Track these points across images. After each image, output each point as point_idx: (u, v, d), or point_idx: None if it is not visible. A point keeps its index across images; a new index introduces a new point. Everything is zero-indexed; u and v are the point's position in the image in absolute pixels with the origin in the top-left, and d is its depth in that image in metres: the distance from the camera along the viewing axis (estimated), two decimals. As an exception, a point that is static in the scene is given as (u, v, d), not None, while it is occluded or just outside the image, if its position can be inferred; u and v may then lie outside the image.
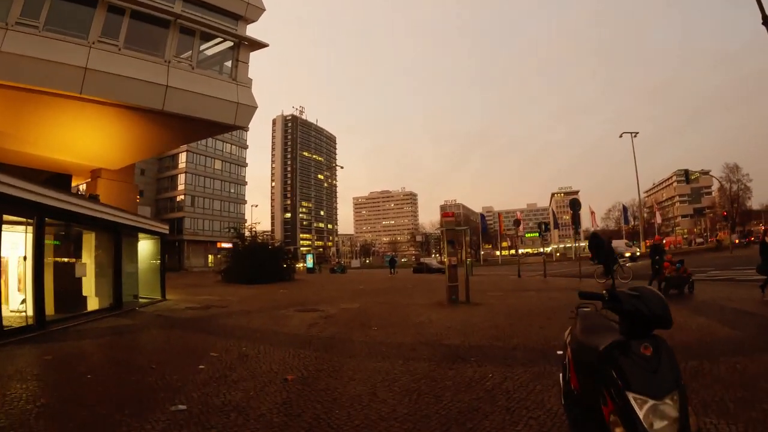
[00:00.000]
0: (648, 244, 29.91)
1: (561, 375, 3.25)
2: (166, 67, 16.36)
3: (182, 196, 70.14)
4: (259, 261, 27.33)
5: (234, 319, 11.06)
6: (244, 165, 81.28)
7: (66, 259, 12.48)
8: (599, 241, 17.31)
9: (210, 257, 68.13)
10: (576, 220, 22.29)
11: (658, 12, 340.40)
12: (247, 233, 31.87)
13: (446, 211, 15.35)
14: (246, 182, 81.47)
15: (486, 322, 9.21)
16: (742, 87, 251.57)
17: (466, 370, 5.63)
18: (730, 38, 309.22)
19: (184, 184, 69.92)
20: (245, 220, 74.17)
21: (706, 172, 55.12)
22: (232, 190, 78.33)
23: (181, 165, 70.32)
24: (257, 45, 18.59)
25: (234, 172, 78.80)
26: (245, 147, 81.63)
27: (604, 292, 2.34)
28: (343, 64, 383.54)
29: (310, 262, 53.28)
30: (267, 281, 25.90)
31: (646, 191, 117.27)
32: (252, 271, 26.22)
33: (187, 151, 69.46)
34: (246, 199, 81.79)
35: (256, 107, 18.31)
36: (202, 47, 18.11)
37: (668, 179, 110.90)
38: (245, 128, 19.33)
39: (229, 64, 18.28)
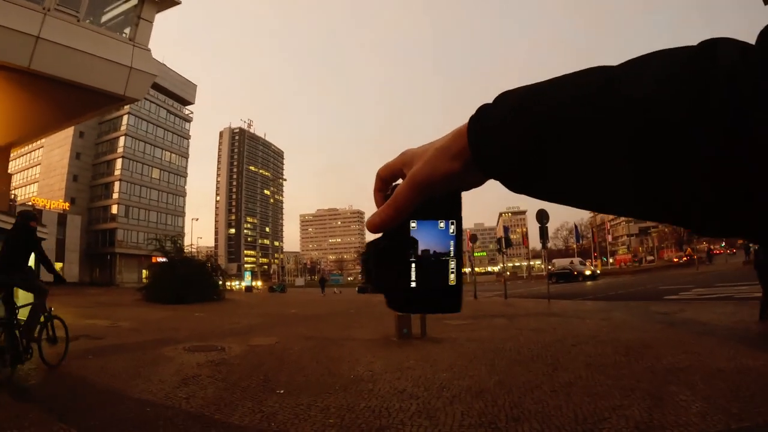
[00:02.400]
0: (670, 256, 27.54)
1: None
2: (42, 15, 12.41)
3: (116, 206, 64.56)
4: (183, 278, 23.45)
5: (85, 363, 7.23)
6: (185, 175, 76.10)
7: None
8: None
9: (144, 272, 62.40)
10: (544, 233, 19.69)
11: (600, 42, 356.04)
12: (170, 245, 27.31)
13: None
14: (185, 193, 76.10)
15: (461, 380, 5.77)
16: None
17: None
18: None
19: (119, 192, 64.33)
20: (184, 234, 68.87)
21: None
22: (171, 201, 72.84)
23: (117, 172, 65.00)
24: (167, 1, 14.78)
25: (173, 182, 73.59)
26: (186, 156, 76.71)
27: None
28: (296, 82, 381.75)
29: (247, 279, 49.40)
30: (193, 301, 22.34)
31: (592, 213, 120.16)
32: (174, 290, 22.47)
33: (123, 157, 64.99)
34: (186, 211, 76.67)
35: (154, 75, 14.19)
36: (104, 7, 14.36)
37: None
38: (138, 100, 15.47)
39: (129, 28, 14.34)
